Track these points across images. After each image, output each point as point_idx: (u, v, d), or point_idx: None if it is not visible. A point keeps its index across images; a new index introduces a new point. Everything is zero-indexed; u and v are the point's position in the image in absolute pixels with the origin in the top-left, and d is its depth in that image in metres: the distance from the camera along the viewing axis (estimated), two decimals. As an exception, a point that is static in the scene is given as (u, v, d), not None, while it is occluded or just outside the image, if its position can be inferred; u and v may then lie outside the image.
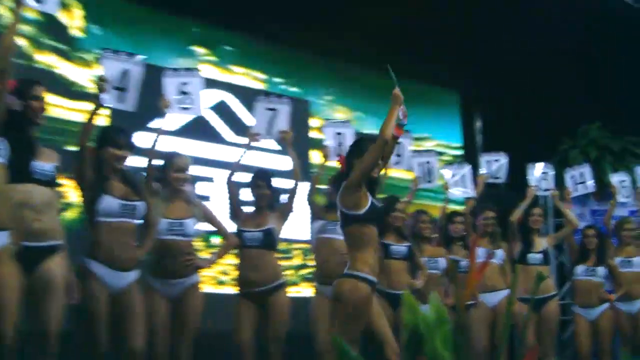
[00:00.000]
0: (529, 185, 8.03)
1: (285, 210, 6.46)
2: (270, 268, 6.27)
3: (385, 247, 6.72)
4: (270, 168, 7.48)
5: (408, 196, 7.46)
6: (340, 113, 10.05)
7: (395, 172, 8.00)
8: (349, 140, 6.74)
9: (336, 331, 5.06)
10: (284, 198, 6.52)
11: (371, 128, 9.33)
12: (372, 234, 5.20)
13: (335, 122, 7.20)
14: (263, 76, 9.54)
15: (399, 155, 7.21)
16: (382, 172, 5.80)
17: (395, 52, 9.28)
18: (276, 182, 6.48)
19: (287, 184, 6.61)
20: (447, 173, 7.85)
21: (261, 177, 6.39)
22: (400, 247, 6.89)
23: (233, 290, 6.43)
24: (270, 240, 6.29)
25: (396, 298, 6.27)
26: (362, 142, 5.43)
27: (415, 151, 7.78)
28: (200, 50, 9.04)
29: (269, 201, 6.35)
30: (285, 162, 7.49)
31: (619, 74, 10.54)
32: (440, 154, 9.16)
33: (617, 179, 8.65)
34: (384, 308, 6.54)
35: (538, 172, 8.13)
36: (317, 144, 8.23)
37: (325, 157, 6.92)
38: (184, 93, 5.90)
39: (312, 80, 10.13)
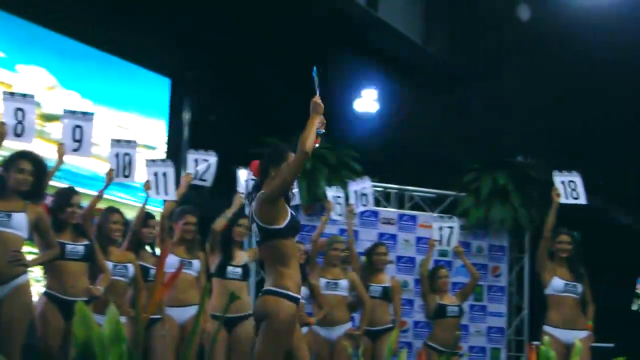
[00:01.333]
0: (236, 192, 8.00)
1: None
2: None
3: (60, 246, 6.48)
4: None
5: (100, 191, 7.14)
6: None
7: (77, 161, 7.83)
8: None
9: (260, 352, 5.10)
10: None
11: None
12: (294, 247, 5.32)
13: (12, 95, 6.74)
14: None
15: (78, 141, 6.98)
16: None
17: (107, 26, 9.10)
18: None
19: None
20: (150, 170, 7.70)
21: None
22: (78, 247, 6.65)
23: None
24: None
25: (70, 306, 5.94)
26: (280, 150, 5.43)
27: (115, 140, 7.55)
28: None
29: None
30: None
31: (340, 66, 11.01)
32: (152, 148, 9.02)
33: (332, 194, 8.92)
34: (54, 318, 6.30)
35: (244, 178, 8.13)
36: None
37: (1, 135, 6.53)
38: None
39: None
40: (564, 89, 11.50)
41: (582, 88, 11.52)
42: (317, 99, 5.32)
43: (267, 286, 5.21)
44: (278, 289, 5.13)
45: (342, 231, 9.19)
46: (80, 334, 2.46)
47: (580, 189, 8.49)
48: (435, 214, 10.08)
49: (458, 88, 11.67)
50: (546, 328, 7.99)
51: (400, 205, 10.43)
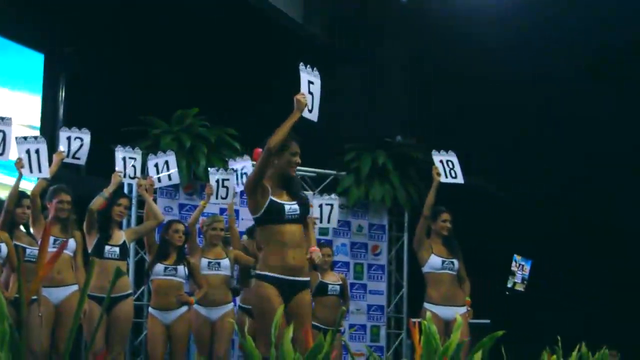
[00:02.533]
0: (115, 171, 7.93)
1: None
2: None
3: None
4: None
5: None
6: None
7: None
8: None
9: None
10: None
11: None
12: (277, 232, 5.54)
13: None
14: None
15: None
16: None
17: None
18: None
19: None
20: (21, 147, 7.57)
21: None
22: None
23: None
24: None
25: None
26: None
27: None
28: None
29: None
30: None
31: (220, 62, 10.97)
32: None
33: (215, 177, 8.76)
34: None
35: (124, 156, 8.07)
36: None
37: None
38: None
39: None
40: (442, 71, 11.77)
41: (459, 71, 11.80)
42: (300, 96, 5.50)
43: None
44: (257, 271, 5.58)
45: (223, 210, 9.16)
46: None
47: (458, 168, 8.70)
48: (315, 193, 10.16)
49: (339, 68, 11.67)
50: (426, 305, 8.08)
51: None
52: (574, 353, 6.66)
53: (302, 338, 5.30)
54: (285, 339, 3.82)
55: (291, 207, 5.67)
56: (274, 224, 5.58)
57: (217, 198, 8.55)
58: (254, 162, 5.75)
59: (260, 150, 5.86)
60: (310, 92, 5.75)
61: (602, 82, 12.41)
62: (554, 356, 6.62)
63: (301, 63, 5.72)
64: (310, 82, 5.72)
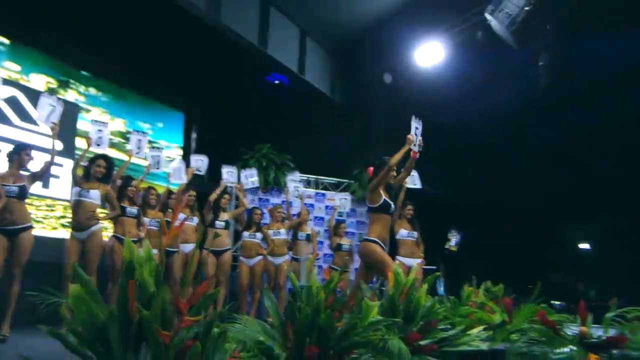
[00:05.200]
0: (222, 179, 8.10)
1: (38, 174, 5.85)
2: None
3: (122, 209, 6.63)
4: (31, 143, 6.62)
5: (141, 177, 7.28)
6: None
7: (136, 160, 7.78)
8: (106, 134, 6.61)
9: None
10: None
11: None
12: (383, 218, 5.40)
13: (97, 122, 6.79)
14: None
15: (139, 148, 7.16)
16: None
17: (137, 71, 8.91)
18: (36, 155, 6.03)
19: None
20: (171, 165, 7.84)
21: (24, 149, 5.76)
22: (133, 210, 6.79)
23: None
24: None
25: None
26: (383, 162, 5.49)
27: (151, 147, 7.71)
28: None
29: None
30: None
31: (284, 107, 10.97)
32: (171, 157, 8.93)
33: (292, 179, 8.88)
34: (119, 249, 6.37)
35: (227, 171, 8.22)
36: (82, 134, 7.87)
37: (88, 144, 6.58)
38: None
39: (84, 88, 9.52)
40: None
41: (425, 118, 11.73)
42: (410, 136, 5.43)
43: (364, 236, 5.50)
44: (368, 237, 5.43)
45: (283, 201, 9.11)
46: (126, 256, 2.46)
47: (418, 179, 8.85)
48: (336, 192, 10.20)
49: (344, 123, 11.54)
50: (398, 257, 8.07)
51: (317, 187, 10.39)
52: (482, 286, 6.77)
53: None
54: (313, 272, 3.98)
55: (393, 205, 5.62)
56: (385, 214, 5.48)
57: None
58: (371, 177, 5.49)
59: (372, 168, 5.64)
60: (415, 134, 5.54)
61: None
62: (471, 288, 6.73)
63: (413, 115, 5.53)
64: (416, 127, 5.51)
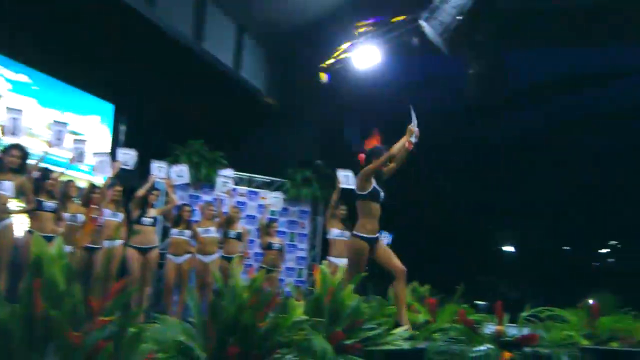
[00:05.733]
0: (151, 174, 7.90)
1: None
2: None
3: (39, 203, 6.36)
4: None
5: (61, 169, 7.03)
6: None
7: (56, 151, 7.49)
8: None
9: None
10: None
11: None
12: (372, 207, 5.23)
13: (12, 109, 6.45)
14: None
15: (59, 139, 6.82)
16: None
17: (67, 60, 8.63)
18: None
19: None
20: (96, 158, 7.57)
21: None
22: (51, 204, 6.52)
23: None
24: None
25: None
26: (379, 149, 5.34)
27: (76, 140, 7.41)
28: None
29: None
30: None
31: (218, 103, 10.76)
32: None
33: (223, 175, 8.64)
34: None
35: (157, 166, 8.02)
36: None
37: (2, 133, 6.30)
38: None
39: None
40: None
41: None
42: (411, 127, 5.34)
43: (353, 231, 5.36)
44: (356, 232, 5.30)
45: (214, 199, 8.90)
46: (35, 252, 2.36)
47: (352, 179, 8.90)
48: (269, 191, 10.12)
49: (289, 123, 11.39)
50: (329, 258, 8.21)
51: (250, 185, 10.29)
52: (409, 287, 6.89)
53: None
54: (237, 272, 3.93)
55: (382, 193, 5.46)
56: (374, 202, 5.33)
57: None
58: (362, 167, 5.37)
59: (363, 155, 5.49)
60: (413, 125, 5.43)
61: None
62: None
63: (411, 106, 5.44)
64: (414, 118, 5.41)
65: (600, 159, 14.36)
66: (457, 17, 7.01)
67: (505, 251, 20.53)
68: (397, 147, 5.32)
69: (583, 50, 10.53)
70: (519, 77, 11.01)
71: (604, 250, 21.09)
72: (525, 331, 4.51)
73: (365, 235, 5.30)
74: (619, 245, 19.66)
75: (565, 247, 21.02)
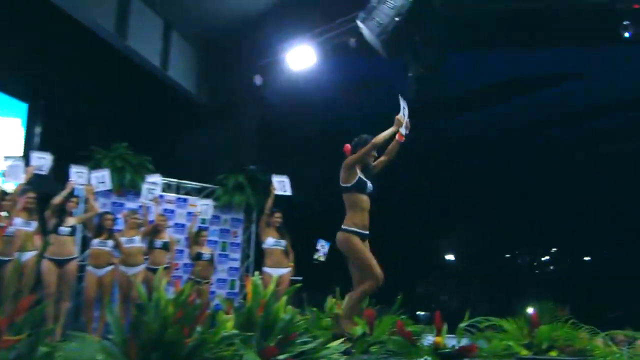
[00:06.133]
0: (69, 180, 7.74)
1: None
2: None
3: None
4: None
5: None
6: None
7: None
8: None
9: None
10: None
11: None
12: (359, 199, 5.15)
13: None
14: None
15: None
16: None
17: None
18: None
19: None
20: (7, 162, 7.30)
21: None
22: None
23: None
24: None
25: None
26: (364, 138, 5.27)
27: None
28: None
29: None
30: None
31: (144, 104, 10.57)
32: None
33: (150, 181, 8.61)
34: None
35: (76, 172, 7.86)
36: None
37: None
38: None
39: None
40: (281, 130, 11.84)
41: (291, 128, 11.91)
42: (399, 117, 5.28)
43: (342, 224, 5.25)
44: (345, 227, 5.22)
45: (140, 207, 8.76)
46: None
47: (288, 186, 8.95)
48: (199, 197, 10.04)
49: (224, 124, 11.32)
50: (264, 269, 8.18)
51: (178, 192, 10.15)
52: (345, 298, 6.94)
53: None
54: (162, 284, 3.87)
55: (370, 184, 5.40)
56: (360, 194, 5.28)
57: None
58: (350, 155, 5.32)
59: (349, 145, 5.43)
60: (403, 114, 5.40)
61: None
62: (334, 299, 6.90)
63: (400, 95, 5.37)
64: (403, 108, 5.36)
65: (539, 166, 14.88)
66: (395, 19, 7.14)
67: (447, 260, 21.02)
68: (381, 137, 5.27)
69: (518, 55, 10.93)
70: (458, 81, 11.32)
71: (544, 258, 21.94)
72: (464, 342, 4.62)
73: (355, 229, 5.25)
74: (558, 253, 20.45)
75: (507, 255, 21.73)
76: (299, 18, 10.13)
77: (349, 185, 5.27)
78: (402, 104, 5.37)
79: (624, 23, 8.53)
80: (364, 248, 5.27)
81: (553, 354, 4.73)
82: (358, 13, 7.75)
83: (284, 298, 4.99)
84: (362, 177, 5.32)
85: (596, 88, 12.24)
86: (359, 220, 5.25)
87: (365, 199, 5.32)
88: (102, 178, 8.12)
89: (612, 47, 9.74)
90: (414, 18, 7.12)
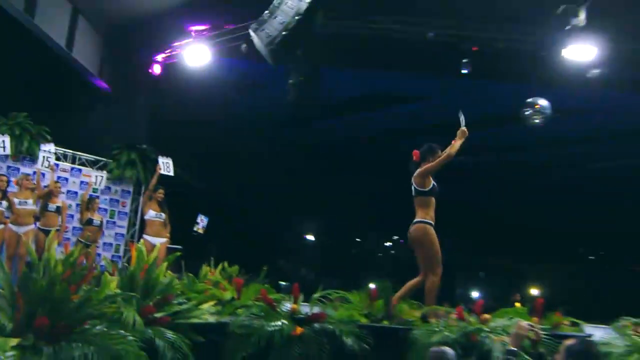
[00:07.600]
0: None
1: None
2: None
3: None
4: None
5: None
6: None
7: None
8: None
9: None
10: None
11: None
12: (432, 201, 5.15)
13: None
14: None
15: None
16: None
17: None
18: None
19: None
20: None
21: None
22: None
23: None
24: None
25: None
26: (434, 147, 5.19)
27: None
28: None
29: None
30: None
31: (47, 80, 9.92)
32: None
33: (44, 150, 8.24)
34: None
35: None
36: None
37: None
38: None
39: None
40: (172, 112, 11.54)
41: (183, 112, 11.65)
42: (464, 129, 5.11)
43: (416, 219, 5.22)
44: (422, 220, 5.20)
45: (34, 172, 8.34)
46: None
47: (171, 167, 8.84)
48: (93, 169, 9.64)
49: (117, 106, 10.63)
50: (145, 236, 8.07)
51: (74, 162, 9.57)
52: (219, 266, 6.96)
53: None
54: (52, 245, 3.72)
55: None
56: (434, 197, 5.27)
57: None
58: (416, 163, 5.31)
59: (418, 152, 5.35)
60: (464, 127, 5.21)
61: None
62: (208, 267, 6.88)
63: (460, 110, 5.21)
64: (463, 120, 5.19)
65: (382, 168, 15.63)
66: (283, 33, 7.21)
67: (307, 239, 21.52)
68: (455, 149, 5.13)
69: (376, 74, 11.43)
70: (331, 91, 11.65)
71: (388, 243, 23.11)
72: (316, 310, 4.82)
73: (432, 222, 5.28)
74: (400, 240, 21.60)
75: (357, 239, 22.65)
76: (200, 18, 9.94)
77: (425, 189, 5.29)
78: (461, 117, 5.31)
79: (464, 61, 9.19)
80: (437, 240, 5.31)
81: (385, 322, 5.05)
82: (251, 22, 7.73)
83: (165, 264, 4.95)
84: (435, 183, 5.37)
85: (436, 110, 13.05)
86: (431, 217, 5.30)
87: (434, 200, 5.38)
88: (1, 143, 7.54)
89: (453, 79, 10.46)
90: (298, 34, 7.24)
